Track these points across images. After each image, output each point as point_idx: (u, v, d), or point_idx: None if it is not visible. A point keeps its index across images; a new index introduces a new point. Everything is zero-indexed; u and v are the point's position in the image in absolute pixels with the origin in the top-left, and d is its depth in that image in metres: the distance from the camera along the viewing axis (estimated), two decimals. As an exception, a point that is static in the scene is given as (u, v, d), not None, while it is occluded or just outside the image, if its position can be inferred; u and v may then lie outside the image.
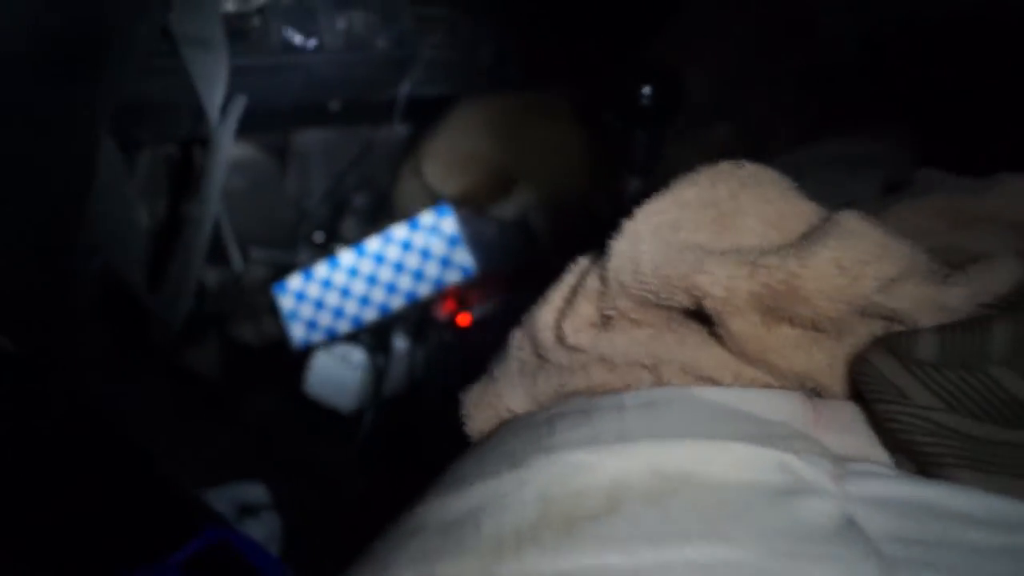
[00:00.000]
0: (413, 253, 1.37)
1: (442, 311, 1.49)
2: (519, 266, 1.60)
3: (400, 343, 1.39)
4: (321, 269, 1.40)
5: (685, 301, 0.58)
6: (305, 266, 1.42)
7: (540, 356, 0.65)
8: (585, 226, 1.49)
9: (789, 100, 1.42)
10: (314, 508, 1.33)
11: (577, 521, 0.44)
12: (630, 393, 0.56)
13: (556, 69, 1.60)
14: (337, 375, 1.33)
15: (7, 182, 0.66)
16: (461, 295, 1.50)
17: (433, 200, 1.49)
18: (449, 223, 1.36)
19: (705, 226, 0.60)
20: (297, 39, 1.22)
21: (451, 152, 1.50)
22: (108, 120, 0.77)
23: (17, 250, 0.71)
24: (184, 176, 1.30)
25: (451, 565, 0.45)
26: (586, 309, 0.62)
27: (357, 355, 1.36)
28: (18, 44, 0.61)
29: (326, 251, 1.44)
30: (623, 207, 0.97)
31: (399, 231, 1.37)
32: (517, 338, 0.67)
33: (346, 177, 1.51)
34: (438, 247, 1.36)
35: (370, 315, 1.38)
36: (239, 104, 1.04)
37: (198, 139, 1.24)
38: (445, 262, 1.36)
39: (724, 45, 1.34)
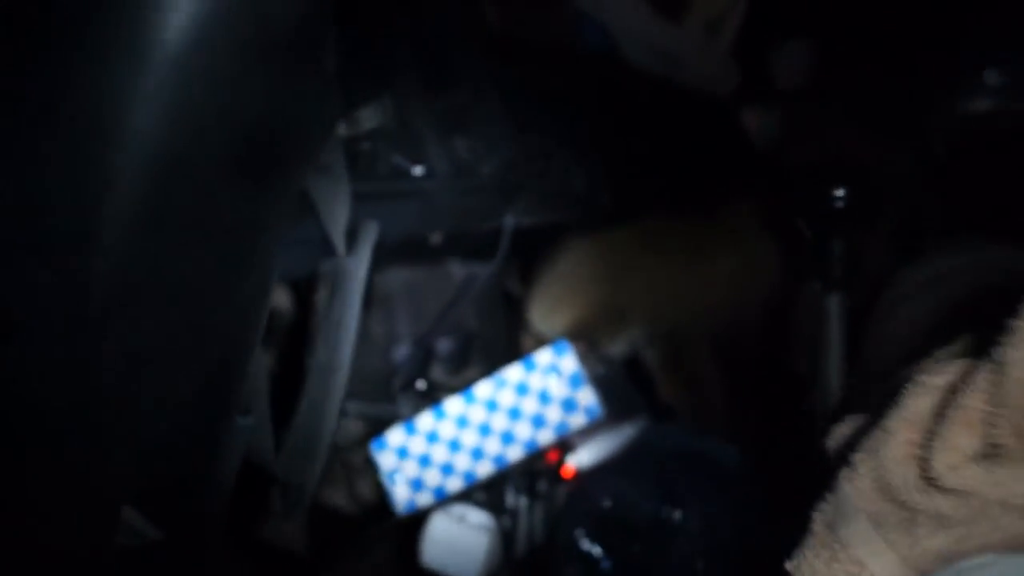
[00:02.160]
0: (530, 396, 1.23)
1: (548, 460, 1.33)
2: (627, 408, 1.45)
3: (518, 500, 1.22)
4: (425, 421, 1.25)
5: None
6: (404, 419, 1.26)
7: (903, 505, 0.49)
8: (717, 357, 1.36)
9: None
10: None
11: None
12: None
13: (654, 199, 1.51)
14: (460, 541, 1.18)
15: (186, 309, 0.52)
16: (565, 442, 1.35)
17: (539, 342, 1.35)
18: (569, 361, 1.22)
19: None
20: (406, 165, 1.10)
21: (557, 287, 1.37)
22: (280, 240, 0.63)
23: (183, 400, 0.56)
24: (299, 321, 1.17)
25: None
26: (963, 438, 0.48)
27: (478, 516, 1.20)
28: (213, 140, 0.48)
29: (427, 400, 1.29)
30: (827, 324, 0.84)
31: (513, 373, 1.24)
32: (856, 485, 0.52)
33: (436, 321, 1.37)
34: (558, 388, 1.22)
35: (484, 470, 1.23)
36: (372, 230, 0.91)
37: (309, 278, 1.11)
38: (568, 405, 1.22)
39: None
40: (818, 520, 0.53)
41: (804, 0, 1.78)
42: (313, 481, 0.93)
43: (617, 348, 1.45)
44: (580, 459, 1.35)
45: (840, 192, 0.90)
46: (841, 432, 0.63)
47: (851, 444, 0.55)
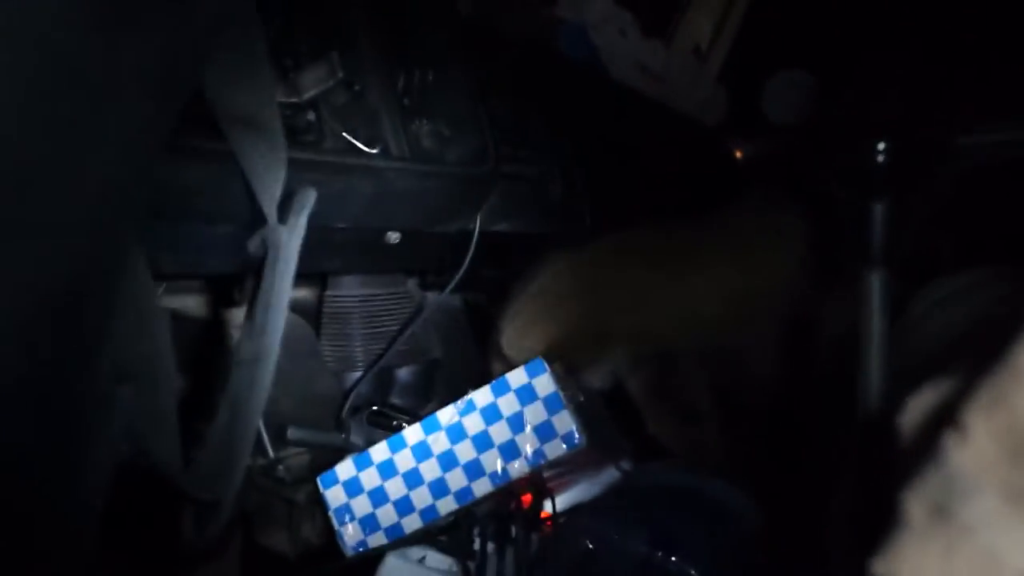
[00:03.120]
0: (500, 422, 1.06)
1: (521, 504, 1.15)
2: (609, 448, 1.29)
3: (486, 544, 1.04)
4: (379, 451, 1.08)
5: None
6: (356, 449, 1.09)
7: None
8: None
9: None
10: None
11: None
12: None
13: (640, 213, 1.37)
14: (417, 588, 0.98)
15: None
16: (539, 480, 1.16)
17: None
18: (545, 382, 1.05)
19: None
20: (357, 144, 0.94)
21: (531, 307, 1.21)
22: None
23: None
24: (215, 323, 0.99)
25: None
26: None
27: (438, 559, 1.01)
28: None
29: (382, 429, 1.11)
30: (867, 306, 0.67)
31: (481, 396, 1.06)
32: (972, 451, 0.35)
33: (395, 345, 1.19)
34: (532, 413, 1.05)
35: (446, 506, 1.06)
36: (308, 198, 0.74)
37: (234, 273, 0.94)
38: (543, 432, 1.04)
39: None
40: (915, 504, 0.37)
41: (796, 32, 1.71)
42: (230, 496, 0.75)
43: (598, 376, 1.28)
44: (558, 507, 1.18)
45: (882, 146, 0.75)
46: (924, 401, 0.47)
47: (947, 408, 0.38)
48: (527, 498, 1.17)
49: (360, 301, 1.24)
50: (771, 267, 1.19)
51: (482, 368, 1.37)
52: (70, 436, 0.48)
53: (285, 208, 0.79)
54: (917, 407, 0.48)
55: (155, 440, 0.64)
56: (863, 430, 0.71)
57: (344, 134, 0.94)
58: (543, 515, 1.17)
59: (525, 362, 1.14)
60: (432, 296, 1.30)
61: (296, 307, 1.22)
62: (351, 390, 1.21)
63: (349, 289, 1.24)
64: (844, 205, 0.81)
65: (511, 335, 1.28)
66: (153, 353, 0.62)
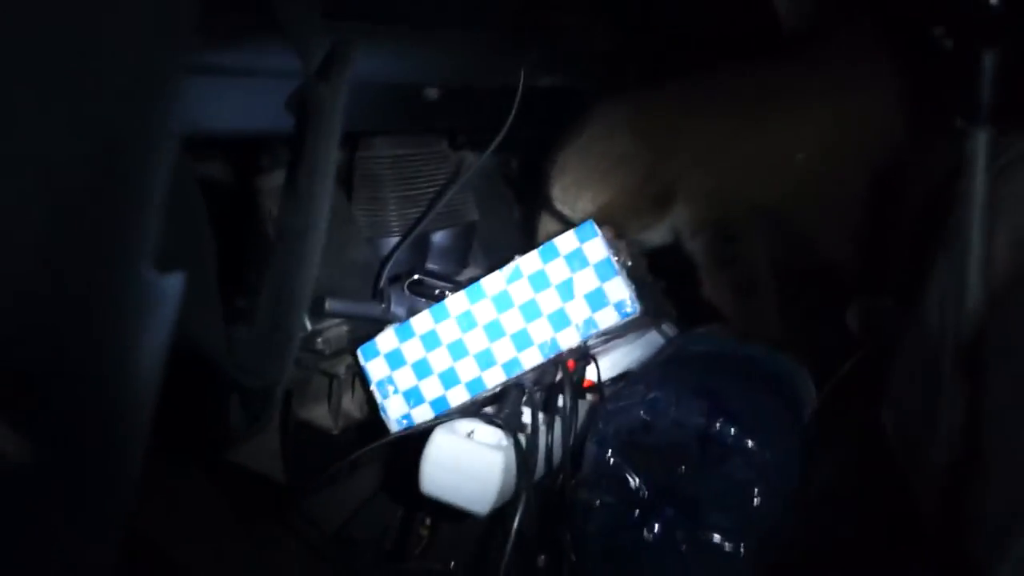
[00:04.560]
0: (549, 290, 1.00)
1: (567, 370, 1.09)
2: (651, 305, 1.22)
3: (536, 415, 1.00)
4: (422, 321, 1.02)
5: None
6: (397, 319, 1.03)
7: None
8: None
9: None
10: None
11: None
12: None
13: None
14: (468, 462, 0.95)
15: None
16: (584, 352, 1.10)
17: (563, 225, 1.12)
18: (597, 247, 0.99)
19: None
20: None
21: (586, 159, 1.13)
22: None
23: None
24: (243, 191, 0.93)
25: None
26: None
27: (489, 433, 0.97)
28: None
29: (423, 298, 1.05)
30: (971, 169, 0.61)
31: (528, 262, 1.00)
32: None
33: (430, 208, 1.12)
34: (584, 280, 0.99)
35: (493, 378, 1.01)
36: (351, 53, 0.66)
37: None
38: (595, 299, 0.99)
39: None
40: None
41: None
42: (281, 384, 0.70)
43: (659, 234, 1.21)
44: (603, 372, 1.12)
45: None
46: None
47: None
48: (570, 364, 1.12)
49: (393, 162, 1.18)
50: (866, 112, 1.07)
51: (525, 228, 1.31)
52: (113, 328, 0.43)
53: (326, 65, 0.72)
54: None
55: (199, 324, 0.59)
56: (964, 296, 0.65)
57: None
58: (587, 383, 1.12)
59: (578, 221, 1.08)
60: (472, 156, 1.22)
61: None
62: (388, 257, 1.15)
63: (381, 150, 1.17)
64: (950, 55, 0.72)
65: (561, 192, 1.21)
66: (193, 233, 0.56)
